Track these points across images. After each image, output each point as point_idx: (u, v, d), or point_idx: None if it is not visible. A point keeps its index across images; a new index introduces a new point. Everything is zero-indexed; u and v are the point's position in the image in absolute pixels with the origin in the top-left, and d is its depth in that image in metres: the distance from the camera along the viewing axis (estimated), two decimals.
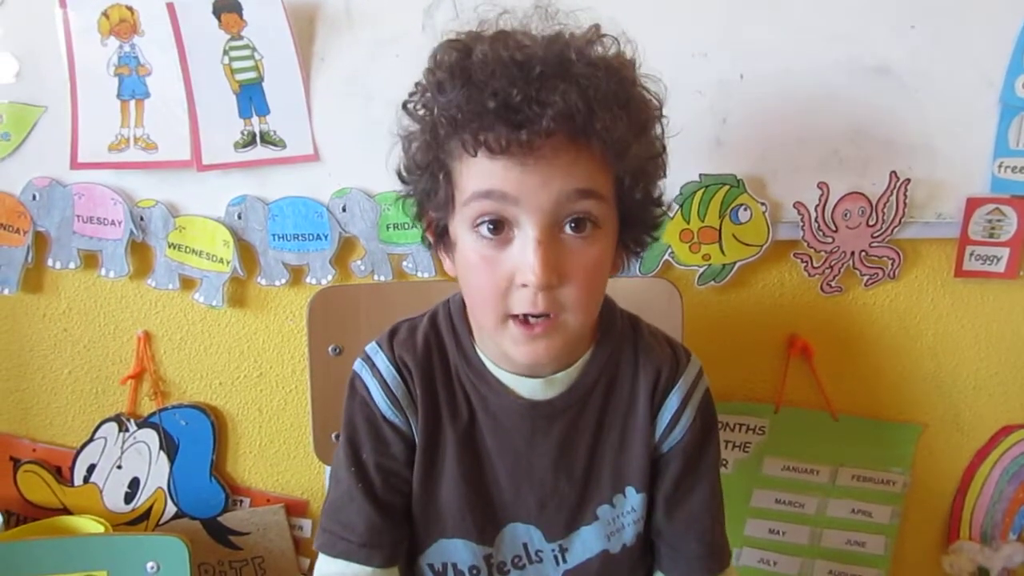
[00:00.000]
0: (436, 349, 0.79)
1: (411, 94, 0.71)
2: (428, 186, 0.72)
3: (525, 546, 0.80)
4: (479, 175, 0.66)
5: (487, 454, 0.78)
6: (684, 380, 0.80)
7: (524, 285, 0.65)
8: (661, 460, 0.80)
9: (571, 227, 0.66)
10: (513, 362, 0.75)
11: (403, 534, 0.79)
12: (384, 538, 0.77)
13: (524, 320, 0.67)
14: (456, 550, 0.79)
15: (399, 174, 0.76)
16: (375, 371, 0.78)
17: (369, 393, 0.78)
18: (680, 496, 0.80)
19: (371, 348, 0.80)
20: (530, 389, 0.76)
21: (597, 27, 0.69)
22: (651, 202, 0.74)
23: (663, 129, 0.73)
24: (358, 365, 0.80)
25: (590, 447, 0.78)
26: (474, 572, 0.79)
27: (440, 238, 0.75)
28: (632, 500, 0.79)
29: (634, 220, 0.73)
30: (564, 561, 0.80)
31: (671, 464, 0.80)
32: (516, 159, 0.63)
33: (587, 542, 0.79)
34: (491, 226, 0.66)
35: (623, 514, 0.79)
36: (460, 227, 0.69)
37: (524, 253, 0.65)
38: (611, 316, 0.81)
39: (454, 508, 0.78)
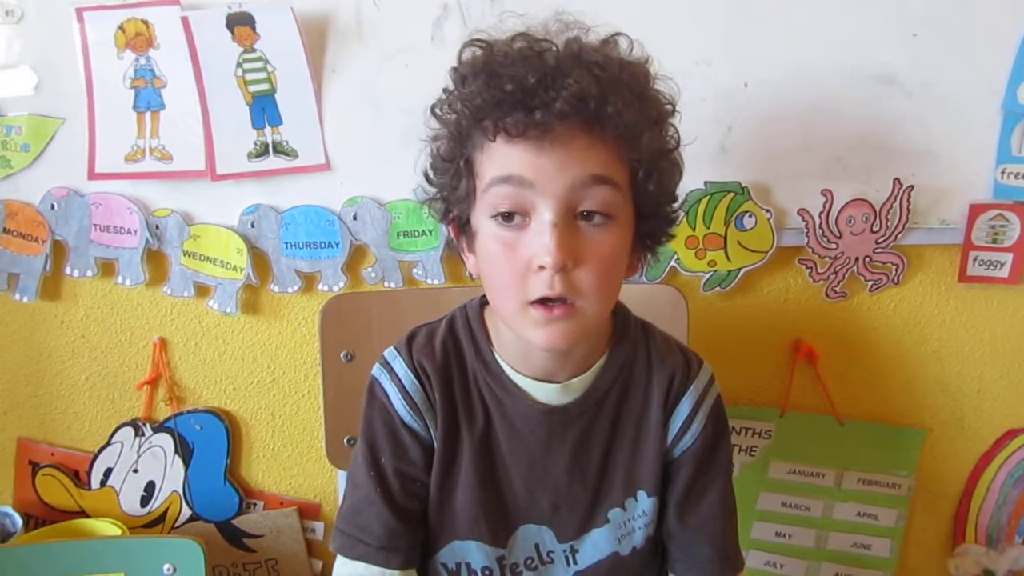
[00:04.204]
0: (454, 354, 0.80)
1: (438, 99, 0.75)
2: (452, 180, 0.74)
3: (537, 547, 0.81)
4: (498, 161, 0.68)
5: (502, 458, 0.79)
6: (696, 386, 0.81)
7: (541, 267, 0.67)
8: (673, 465, 0.81)
9: (585, 216, 0.68)
10: (531, 363, 0.77)
11: (421, 537, 0.80)
12: (402, 541, 0.78)
13: (543, 304, 0.68)
14: (469, 551, 0.80)
15: (426, 174, 0.79)
16: (394, 376, 0.79)
17: (388, 398, 0.78)
18: (692, 501, 0.81)
19: (390, 353, 0.80)
20: (546, 394, 0.78)
21: (616, 33, 0.72)
22: (666, 197, 0.76)
23: (676, 130, 0.76)
24: (377, 370, 0.80)
25: (604, 451, 0.80)
26: (487, 573, 0.80)
27: (463, 234, 0.77)
28: (643, 504, 0.80)
29: (649, 214, 0.74)
30: (575, 562, 0.81)
31: (683, 469, 0.81)
32: (532, 143, 0.66)
33: (598, 544, 0.81)
34: (508, 212, 0.68)
35: (634, 517, 0.81)
36: (480, 216, 0.71)
37: (540, 236, 0.67)
38: (625, 321, 0.82)
39: (468, 512, 0.79)
